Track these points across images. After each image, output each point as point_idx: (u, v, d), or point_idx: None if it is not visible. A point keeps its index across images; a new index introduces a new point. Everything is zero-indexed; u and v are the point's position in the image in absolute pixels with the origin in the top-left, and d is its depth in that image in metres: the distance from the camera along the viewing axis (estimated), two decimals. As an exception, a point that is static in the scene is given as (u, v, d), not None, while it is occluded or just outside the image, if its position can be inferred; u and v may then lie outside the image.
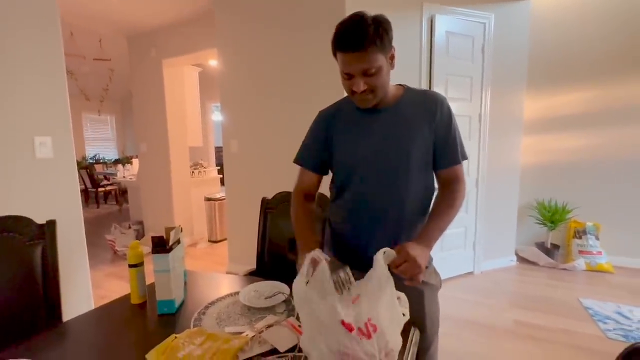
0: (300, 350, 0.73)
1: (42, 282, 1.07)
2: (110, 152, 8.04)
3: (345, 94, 0.97)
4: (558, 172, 3.19)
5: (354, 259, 0.96)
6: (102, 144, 7.94)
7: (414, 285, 0.80)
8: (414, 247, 0.80)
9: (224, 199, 3.85)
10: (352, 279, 0.77)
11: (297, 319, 0.86)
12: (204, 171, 4.49)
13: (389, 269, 0.74)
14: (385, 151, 0.94)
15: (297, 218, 1.02)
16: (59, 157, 1.69)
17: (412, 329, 0.84)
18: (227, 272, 2.97)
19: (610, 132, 2.99)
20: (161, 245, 0.96)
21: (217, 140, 6.80)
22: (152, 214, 4.02)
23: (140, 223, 4.13)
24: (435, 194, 1.01)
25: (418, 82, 2.53)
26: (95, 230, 4.43)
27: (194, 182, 4.12)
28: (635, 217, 2.96)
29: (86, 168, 6.41)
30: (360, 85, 0.85)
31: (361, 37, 0.80)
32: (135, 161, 5.01)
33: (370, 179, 0.96)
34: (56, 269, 1.09)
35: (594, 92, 3.01)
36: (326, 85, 2.38)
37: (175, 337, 0.79)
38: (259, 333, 0.80)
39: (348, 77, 0.87)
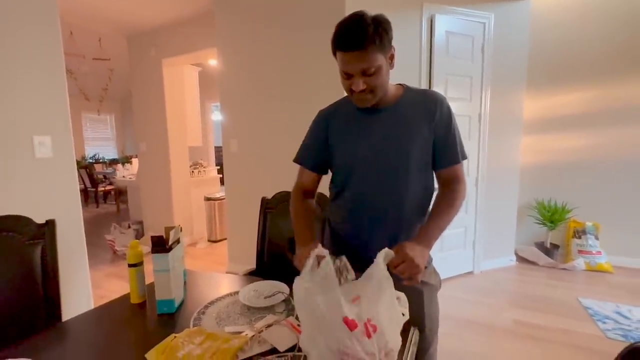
0: (299, 350, 0.73)
1: (42, 282, 1.06)
2: (109, 152, 8.03)
3: (345, 94, 0.97)
4: (558, 172, 3.19)
5: (353, 258, 0.96)
6: (101, 144, 7.94)
7: (413, 285, 0.80)
8: (412, 247, 0.80)
9: (223, 199, 3.85)
10: (349, 266, 0.80)
11: (297, 318, 0.86)
12: (204, 171, 4.49)
13: (388, 269, 0.74)
14: (385, 151, 0.94)
15: (296, 212, 1.03)
16: (58, 157, 1.69)
17: (412, 328, 0.84)
18: (227, 272, 2.97)
19: (610, 132, 2.99)
20: (161, 245, 0.96)
21: (217, 139, 6.80)
22: (151, 213, 4.01)
23: (140, 223, 4.13)
24: (435, 193, 1.01)
25: (418, 82, 2.53)
26: (94, 230, 4.43)
27: (193, 181, 4.11)
28: (634, 217, 2.96)
29: (86, 168, 6.41)
30: (360, 85, 0.85)
31: (361, 37, 0.80)
32: (134, 161, 5.01)
33: (369, 179, 0.96)
34: (56, 268, 1.09)
35: (593, 92, 3.01)
36: (326, 85, 2.38)
37: (175, 337, 0.79)
38: (259, 332, 0.80)
39: (347, 76, 0.87)
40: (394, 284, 0.73)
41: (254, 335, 0.79)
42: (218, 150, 6.87)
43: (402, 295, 0.79)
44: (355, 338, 0.62)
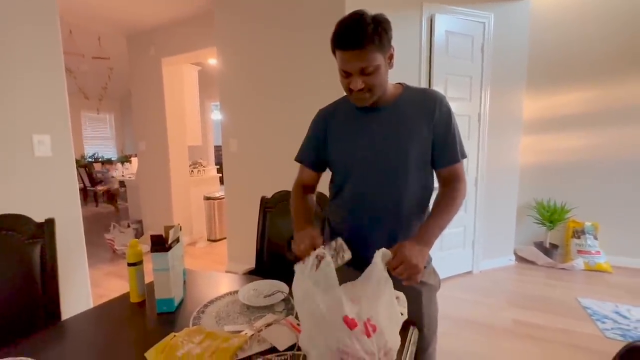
0: (299, 349, 0.73)
1: (41, 281, 1.06)
2: (109, 151, 8.02)
3: (345, 93, 0.97)
4: (557, 172, 3.20)
5: (353, 258, 0.97)
6: (101, 143, 7.93)
7: (412, 285, 0.80)
8: (411, 248, 0.80)
9: (223, 198, 3.85)
10: (345, 246, 0.82)
11: (296, 317, 0.86)
12: (203, 170, 4.49)
13: (387, 271, 0.74)
14: (384, 150, 0.94)
15: (295, 204, 1.06)
16: (57, 156, 1.69)
17: (411, 328, 0.84)
18: (226, 271, 2.97)
19: (610, 132, 2.99)
20: (160, 244, 0.96)
21: (217, 139, 6.79)
22: (151, 212, 4.01)
23: (140, 222, 4.13)
24: (435, 193, 1.01)
25: (417, 82, 2.53)
26: (94, 229, 4.42)
27: (193, 181, 4.11)
28: (634, 217, 2.96)
29: (85, 167, 6.40)
30: (358, 84, 0.86)
31: (360, 36, 0.80)
32: (134, 160, 5.00)
33: (368, 178, 0.96)
34: (55, 267, 1.08)
35: (593, 92, 3.01)
36: (326, 84, 2.38)
37: (174, 336, 0.79)
38: (258, 332, 0.80)
39: (346, 75, 0.87)
40: (393, 284, 0.73)
41: (253, 335, 0.79)
42: (218, 149, 6.86)
43: (401, 294, 0.79)
44: (355, 337, 0.62)
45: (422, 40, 2.50)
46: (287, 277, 1.01)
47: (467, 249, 2.90)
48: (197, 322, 0.89)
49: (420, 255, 0.79)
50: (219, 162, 6.53)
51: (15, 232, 1.04)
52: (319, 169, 1.09)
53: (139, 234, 4.00)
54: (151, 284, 1.03)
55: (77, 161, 5.38)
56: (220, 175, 4.20)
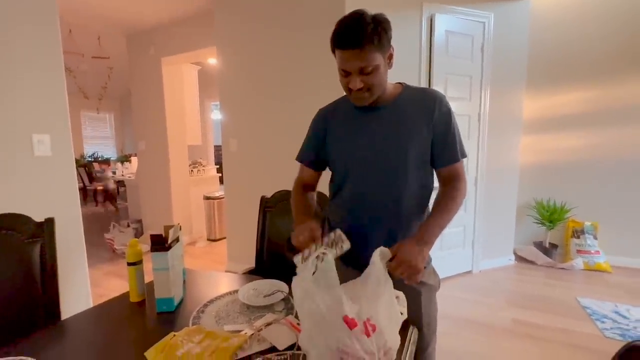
0: (299, 348, 0.73)
1: (41, 281, 1.06)
2: (109, 151, 8.01)
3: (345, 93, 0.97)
4: (557, 172, 3.20)
5: (352, 257, 0.97)
6: (100, 142, 7.92)
7: (412, 284, 0.80)
8: (411, 248, 0.80)
9: (222, 198, 3.85)
10: (344, 237, 0.83)
11: (296, 317, 0.86)
12: (203, 170, 4.49)
13: (388, 272, 0.74)
14: (383, 150, 0.94)
15: (295, 200, 1.07)
16: (57, 155, 1.68)
17: (411, 327, 0.84)
18: (226, 271, 2.97)
19: (609, 132, 2.99)
20: (160, 244, 0.96)
21: (217, 139, 6.78)
22: (150, 212, 4.01)
23: (139, 221, 4.12)
24: (435, 192, 1.01)
25: (417, 81, 2.53)
26: (93, 229, 4.42)
27: (193, 180, 4.11)
28: (633, 217, 2.97)
29: (85, 166, 6.39)
30: (357, 83, 0.86)
31: (359, 35, 0.80)
32: (134, 159, 4.99)
33: (367, 178, 0.96)
34: (55, 267, 1.08)
35: (593, 91, 3.01)
36: (326, 84, 2.38)
37: (174, 335, 0.79)
38: (258, 331, 0.80)
39: (345, 74, 0.87)
40: (393, 284, 0.73)
41: (253, 334, 0.79)
42: (217, 149, 6.86)
43: (400, 294, 0.79)
44: (354, 337, 0.62)
45: (422, 40, 2.50)
46: (287, 276, 1.01)
47: (467, 249, 2.90)
48: (196, 321, 0.89)
49: (420, 255, 0.79)
50: (218, 162, 6.52)
51: (15, 232, 1.04)
52: (319, 168, 1.10)
53: (138, 233, 4.00)
54: (151, 284, 1.03)
55: (76, 161, 5.37)
56: (220, 175, 4.20)
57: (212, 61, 3.97)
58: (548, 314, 2.21)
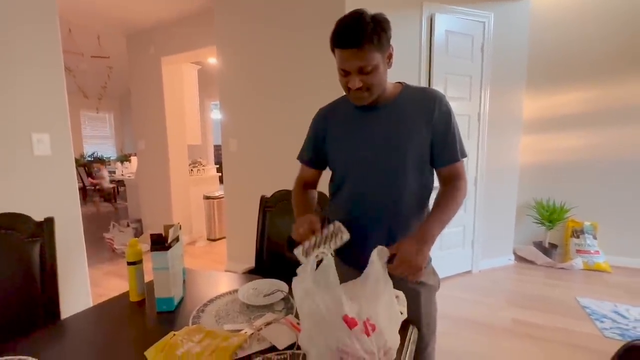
0: (298, 348, 0.73)
1: (41, 280, 1.06)
2: (108, 150, 8.01)
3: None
4: (556, 172, 3.20)
5: (352, 257, 0.97)
6: (100, 142, 7.91)
7: (412, 283, 0.81)
8: (411, 248, 0.80)
9: (222, 198, 3.84)
10: (343, 228, 0.85)
11: (296, 316, 0.86)
12: (203, 169, 4.49)
13: (389, 273, 0.74)
14: (382, 149, 0.94)
15: (296, 195, 1.09)
16: (57, 154, 1.68)
17: (411, 327, 0.85)
18: (226, 271, 2.97)
19: (609, 132, 2.99)
20: (160, 243, 0.96)
21: (216, 138, 6.78)
22: (150, 212, 4.01)
23: (139, 221, 4.12)
24: (436, 192, 1.01)
25: (417, 81, 2.53)
26: (93, 228, 4.42)
27: (192, 180, 4.11)
28: (632, 216, 2.97)
29: (84, 166, 6.38)
30: (356, 83, 0.86)
31: (358, 35, 0.80)
32: (133, 159, 4.99)
33: (366, 178, 0.96)
34: (54, 266, 1.08)
35: (593, 91, 3.01)
36: (326, 84, 2.38)
37: (174, 335, 0.79)
38: (258, 331, 0.80)
39: (344, 73, 0.87)
40: (393, 283, 0.74)
41: (253, 333, 0.79)
42: (217, 149, 6.85)
43: (400, 293, 0.79)
44: (354, 337, 0.62)
45: (422, 40, 2.50)
46: (287, 276, 1.01)
47: (467, 249, 2.90)
48: (196, 321, 0.89)
49: (420, 254, 0.79)
50: (218, 162, 6.52)
51: (15, 231, 1.04)
52: (319, 167, 1.11)
53: (138, 233, 4.00)
54: (151, 283, 1.03)
55: (76, 160, 5.35)
56: (220, 174, 4.20)
57: (212, 61, 3.97)
58: (548, 314, 2.21)
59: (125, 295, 1.06)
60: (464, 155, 0.97)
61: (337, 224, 0.86)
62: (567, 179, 3.16)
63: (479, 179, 2.84)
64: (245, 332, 0.80)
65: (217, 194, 3.98)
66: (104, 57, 4.78)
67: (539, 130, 3.20)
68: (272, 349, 0.75)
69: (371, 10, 0.85)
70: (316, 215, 0.93)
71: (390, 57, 0.89)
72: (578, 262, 2.94)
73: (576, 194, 3.12)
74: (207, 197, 3.98)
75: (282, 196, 1.46)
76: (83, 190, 6.42)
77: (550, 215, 3.06)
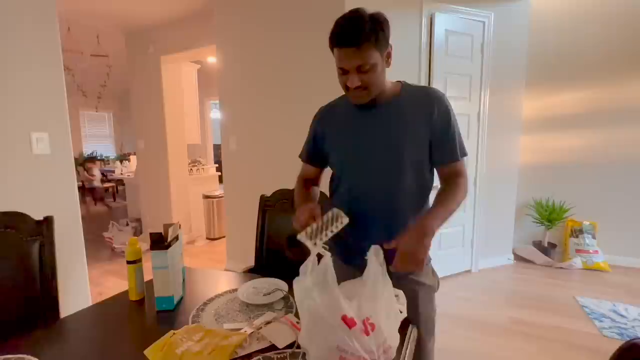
0: (298, 347, 0.73)
1: (40, 279, 1.06)
2: (108, 149, 8.00)
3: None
4: (556, 172, 3.20)
5: (351, 255, 0.97)
6: (99, 141, 7.90)
7: (412, 281, 0.81)
8: (411, 241, 0.79)
9: (222, 197, 3.84)
10: (342, 213, 0.88)
11: (296, 315, 0.86)
12: (203, 169, 4.48)
13: (388, 268, 0.74)
14: (380, 148, 0.94)
15: (298, 190, 1.10)
16: (56, 153, 1.68)
17: (410, 326, 0.85)
18: (226, 270, 2.97)
19: (608, 132, 3.00)
20: (159, 242, 0.96)
21: (216, 138, 6.77)
22: (150, 211, 4.01)
23: (138, 220, 4.12)
24: (435, 192, 1.01)
25: (417, 81, 2.53)
26: (92, 227, 4.41)
27: (192, 179, 4.11)
28: (631, 216, 2.98)
29: (83, 165, 6.37)
30: (355, 81, 0.86)
31: (357, 33, 0.81)
32: (133, 158, 4.98)
33: (364, 176, 0.97)
34: (54, 265, 1.08)
35: (592, 91, 3.02)
36: (325, 83, 2.37)
37: (174, 334, 0.79)
38: (258, 330, 0.80)
39: (343, 72, 0.88)
40: (392, 283, 0.74)
41: (252, 332, 0.79)
42: (217, 148, 6.84)
43: (400, 292, 0.79)
44: (354, 336, 0.62)
45: (422, 39, 2.50)
46: (287, 275, 1.01)
47: (466, 248, 2.90)
48: (196, 320, 0.89)
49: (421, 246, 0.79)
50: (218, 161, 6.51)
51: (14, 230, 1.04)
52: (319, 165, 1.12)
53: (137, 232, 4.00)
54: (150, 282, 1.03)
55: (75, 159, 5.33)
56: (220, 173, 4.20)
57: (212, 60, 3.96)
58: (547, 313, 2.21)
59: (124, 294, 1.05)
60: (464, 154, 0.97)
61: (336, 209, 0.89)
62: (567, 178, 3.17)
63: (478, 178, 2.84)
64: (245, 331, 0.80)
65: (216, 193, 3.98)
66: (103, 56, 4.77)
67: (539, 130, 3.20)
68: (272, 348, 0.75)
69: (371, 9, 0.85)
70: (316, 204, 0.95)
71: (389, 56, 0.89)
72: (577, 261, 2.94)
73: (575, 193, 3.12)
74: (206, 197, 3.98)
75: (282, 195, 1.46)
76: (82, 190, 6.41)
77: (549, 215, 3.07)
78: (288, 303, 0.98)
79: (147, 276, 1.03)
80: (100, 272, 3.03)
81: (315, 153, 1.09)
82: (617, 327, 2.03)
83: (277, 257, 1.40)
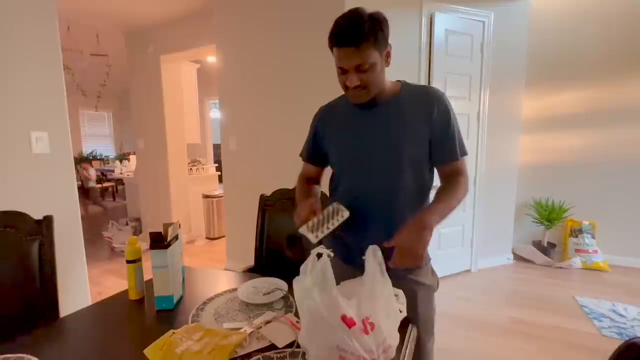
0: (298, 346, 0.73)
1: (40, 278, 1.06)
2: (107, 149, 7.99)
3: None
4: (555, 171, 3.21)
5: (350, 254, 0.97)
6: (99, 141, 7.90)
7: (419, 264, 0.82)
8: (408, 236, 0.79)
9: (222, 196, 3.84)
10: (342, 207, 0.89)
11: (296, 315, 0.86)
12: (202, 168, 4.48)
13: (387, 263, 0.74)
14: (378, 147, 0.94)
15: (299, 187, 1.11)
16: (55, 153, 1.68)
17: (410, 325, 0.85)
18: (225, 269, 2.97)
19: (608, 132, 3.00)
20: (159, 241, 0.96)
21: (216, 137, 6.76)
22: (149, 211, 4.01)
23: (138, 220, 4.12)
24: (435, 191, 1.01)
25: (417, 80, 2.53)
26: (92, 227, 4.41)
27: (191, 179, 4.11)
28: (631, 216, 2.98)
29: (89, 162, 6.35)
30: (354, 81, 0.86)
31: (356, 33, 0.81)
32: (132, 157, 4.98)
33: (363, 175, 0.97)
34: (53, 264, 1.08)
35: (592, 91, 3.02)
36: (325, 83, 2.36)
37: (173, 333, 0.79)
38: (257, 329, 0.80)
39: (342, 71, 0.88)
40: (392, 282, 0.74)
41: (252, 332, 0.79)
42: (217, 147, 6.84)
43: (400, 292, 0.79)
44: (353, 335, 0.62)
45: (422, 39, 2.50)
46: (286, 274, 1.01)
47: (466, 248, 2.91)
48: (196, 319, 0.89)
49: (420, 240, 0.78)
50: (217, 161, 6.51)
51: (14, 229, 1.04)
52: (320, 164, 1.12)
53: (137, 231, 4.00)
54: (150, 282, 1.03)
55: (74, 159, 5.30)
56: (219, 173, 4.20)
57: (212, 59, 3.96)
58: (546, 313, 2.22)
59: (124, 293, 1.05)
60: (464, 153, 0.97)
61: (336, 204, 0.90)
62: (566, 178, 3.17)
63: (478, 178, 2.84)
64: (245, 331, 0.80)
65: (216, 193, 3.98)
66: (103, 56, 4.76)
67: (538, 130, 3.20)
68: (272, 347, 0.75)
69: (370, 9, 0.85)
70: (316, 200, 0.96)
71: (388, 55, 0.89)
72: (576, 261, 2.95)
73: (575, 193, 3.13)
74: (206, 196, 3.98)
75: (282, 194, 1.46)
76: (82, 189, 6.40)
77: (549, 215, 3.07)
78: (288, 302, 0.98)
79: (147, 275, 1.03)
80: (99, 272, 3.03)
81: (315, 152, 1.10)
82: (616, 326, 2.03)
83: (276, 256, 1.40)
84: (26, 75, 1.57)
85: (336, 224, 0.86)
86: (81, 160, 6.73)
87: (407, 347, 0.78)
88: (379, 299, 0.69)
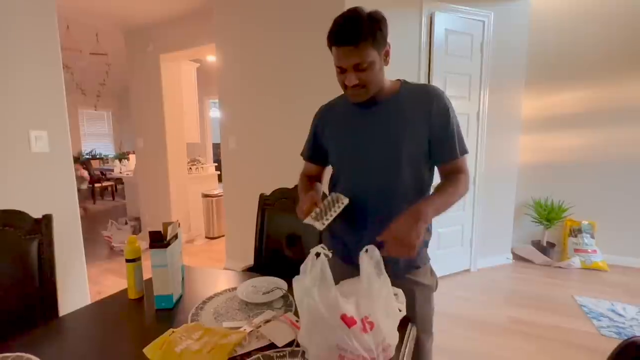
0: (297, 345, 0.73)
1: (39, 277, 1.06)
2: (107, 148, 7.98)
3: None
4: (554, 171, 3.21)
5: (349, 254, 0.97)
6: (98, 140, 7.89)
7: (411, 258, 0.83)
8: (403, 226, 0.79)
9: (221, 196, 3.84)
10: (342, 196, 0.92)
11: (295, 314, 0.86)
12: (202, 167, 4.48)
13: (384, 260, 0.74)
14: (377, 146, 0.94)
15: (301, 184, 1.12)
16: (55, 152, 1.68)
17: (410, 324, 0.85)
18: (225, 269, 2.97)
19: (607, 132, 3.00)
20: (159, 240, 0.96)
21: (215, 136, 6.76)
22: (149, 210, 4.00)
23: (137, 219, 4.12)
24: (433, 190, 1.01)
25: (417, 80, 2.53)
26: (91, 226, 4.41)
27: (191, 178, 4.10)
28: (630, 216, 2.98)
29: (83, 163, 6.36)
30: (353, 80, 0.86)
31: (355, 32, 0.81)
32: (132, 157, 4.97)
33: (362, 173, 0.97)
34: (53, 263, 1.08)
35: (592, 91, 3.02)
36: (325, 82, 2.36)
37: (173, 332, 0.79)
38: (257, 328, 0.81)
39: (341, 70, 0.88)
40: (391, 281, 0.74)
41: (252, 331, 0.79)
42: (216, 147, 6.83)
43: (399, 291, 0.79)
44: (353, 335, 0.62)
45: (422, 39, 2.49)
46: (286, 274, 1.01)
47: (465, 247, 2.91)
48: (195, 318, 0.89)
49: (413, 230, 0.77)
50: (217, 160, 6.51)
51: (13, 228, 1.04)
52: (320, 163, 1.13)
53: (137, 230, 4.00)
54: (149, 281, 1.03)
55: (74, 158, 5.28)
56: (219, 172, 4.19)
57: (211, 58, 3.96)
58: (545, 313, 2.22)
59: (123, 292, 1.05)
60: (464, 152, 0.96)
61: (334, 193, 0.93)
62: (566, 178, 3.17)
63: (477, 177, 2.84)
64: (244, 330, 0.80)
65: (215, 192, 3.98)
66: (102, 54, 4.75)
67: (538, 130, 3.20)
68: (271, 346, 0.75)
69: (369, 8, 0.85)
70: (316, 192, 0.97)
71: (387, 54, 0.89)
72: (576, 261, 2.95)
73: (574, 193, 3.13)
74: (205, 195, 3.98)
75: (281, 194, 1.46)
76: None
77: (548, 215, 3.07)
78: (287, 302, 0.98)
79: (146, 275, 1.03)
80: (99, 271, 3.03)
81: (315, 151, 1.10)
82: (615, 326, 2.03)
83: (276, 255, 1.40)
84: (25, 74, 1.57)
85: (338, 210, 0.89)
86: (75, 162, 6.63)
87: (406, 346, 0.78)
88: (378, 298, 0.69)
